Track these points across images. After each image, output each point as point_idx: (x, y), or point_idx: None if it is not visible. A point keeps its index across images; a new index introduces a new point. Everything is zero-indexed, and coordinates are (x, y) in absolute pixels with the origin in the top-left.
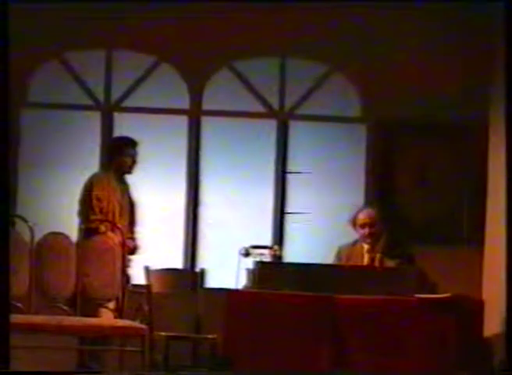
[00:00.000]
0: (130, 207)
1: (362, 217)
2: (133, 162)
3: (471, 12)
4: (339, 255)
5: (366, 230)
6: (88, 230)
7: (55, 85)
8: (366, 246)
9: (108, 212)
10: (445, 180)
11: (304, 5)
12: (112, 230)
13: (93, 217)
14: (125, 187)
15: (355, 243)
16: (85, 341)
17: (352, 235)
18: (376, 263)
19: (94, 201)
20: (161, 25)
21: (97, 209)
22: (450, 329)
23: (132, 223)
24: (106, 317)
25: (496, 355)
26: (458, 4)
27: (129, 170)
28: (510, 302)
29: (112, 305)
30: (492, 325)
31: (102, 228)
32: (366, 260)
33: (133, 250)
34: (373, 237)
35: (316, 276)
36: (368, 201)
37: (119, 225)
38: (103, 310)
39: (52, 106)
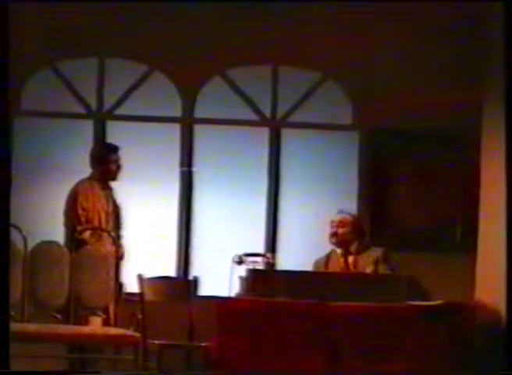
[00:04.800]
0: (115, 211)
1: (335, 217)
2: (117, 168)
3: (465, 19)
4: (316, 269)
5: (333, 229)
6: (76, 242)
7: (47, 93)
8: (339, 251)
9: (94, 221)
10: (437, 187)
11: (296, 12)
12: (101, 239)
13: (79, 228)
14: (109, 193)
15: (330, 253)
16: (75, 349)
17: None
18: (350, 266)
19: (80, 212)
20: (154, 33)
21: (82, 219)
22: (442, 336)
23: (117, 227)
24: (99, 326)
25: (489, 361)
26: (454, 8)
27: (114, 177)
28: (510, 303)
29: (104, 313)
30: (485, 331)
31: (92, 239)
32: (341, 264)
33: (120, 255)
34: (339, 237)
35: (309, 283)
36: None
37: (112, 233)
38: (96, 318)
39: (45, 114)
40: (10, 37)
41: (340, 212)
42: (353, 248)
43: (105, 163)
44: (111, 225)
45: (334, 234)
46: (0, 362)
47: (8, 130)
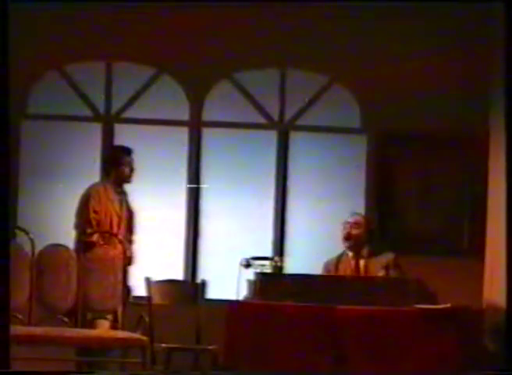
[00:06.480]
0: (128, 216)
1: (349, 218)
2: (131, 170)
3: (470, 21)
4: (326, 270)
5: (347, 230)
6: (86, 244)
7: (55, 97)
8: (350, 253)
9: (106, 225)
10: (445, 190)
11: (304, 15)
12: (110, 242)
13: (90, 231)
14: (123, 197)
15: (341, 255)
16: (83, 352)
17: None
18: (361, 270)
19: (92, 215)
20: (161, 36)
21: (94, 222)
22: (450, 339)
23: (129, 231)
24: (107, 329)
25: (497, 364)
26: (457, 11)
27: (129, 179)
28: (510, 304)
29: (112, 316)
30: (493, 334)
31: (100, 241)
32: (352, 267)
33: (130, 259)
34: (351, 239)
35: (317, 287)
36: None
37: (120, 236)
38: (103, 322)
39: (53, 118)
40: (18, 41)
41: (353, 213)
42: (364, 251)
43: (119, 166)
44: (123, 229)
45: (348, 236)
46: (0, 363)
47: (15, 133)
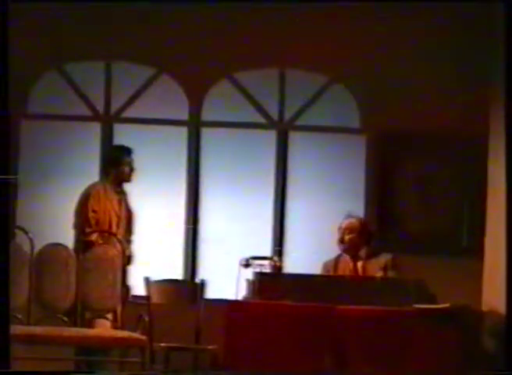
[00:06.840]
0: (128, 216)
1: (342, 223)
2: (131, 169)
3: (470, 21)
4: (325, 271)
5: (341, 236)
6: (85, 243)
7: (54, 96)
8: (347, 255)
9: (105, 224)
10: (445, 190)
11: (304, 15)
12: (109, 242)
13: (88, 230)
14: (122, 197)
15: (339, 256)
16: (83, 351)
17: None
18: (359, 272)
19: (90, 214)
20: (161, 36)
21: (93, 222)
22: (450, 339)
23: (128, 231)
24: (106, 328)
25: (496, 365)
26: (457, 11)
27: (128, 178)
28: (510, 304)
29: (111, 316)
30: (492, 335)
31: (99, 240)
32: (350, 269)
33: (128, 259)
34: (346, 244)
35: (316, 286)
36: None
37: (119, 236)
38: (103, 321)
39: (52, 117)
40: (18, 41)
41: (348, 216)
42: (361, 253)
43: (119, 165)
44: (122, 229)
45: (341, 241)
46: (0, 363)
47: (15, 133)
